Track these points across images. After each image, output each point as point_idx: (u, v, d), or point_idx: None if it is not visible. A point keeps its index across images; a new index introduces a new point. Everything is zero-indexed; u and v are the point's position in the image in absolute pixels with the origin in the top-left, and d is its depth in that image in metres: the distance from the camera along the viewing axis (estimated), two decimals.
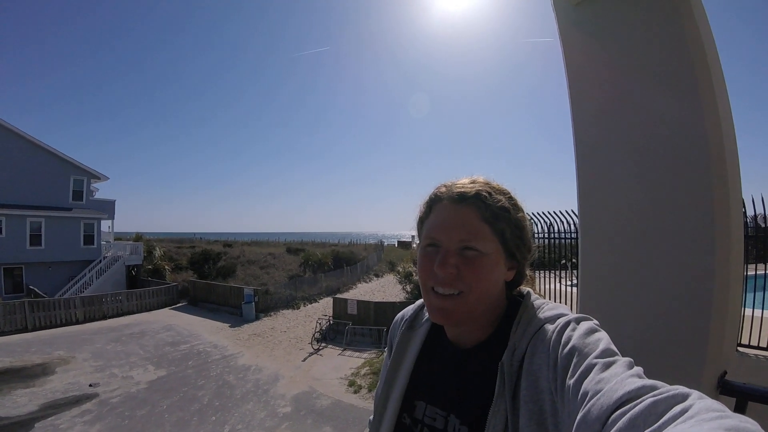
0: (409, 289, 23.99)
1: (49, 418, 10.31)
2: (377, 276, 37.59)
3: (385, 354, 1.36)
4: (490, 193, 1.00)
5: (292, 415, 11.02)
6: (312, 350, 16.92)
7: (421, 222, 1.11)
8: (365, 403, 11.73)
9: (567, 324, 0.86)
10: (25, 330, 18.63)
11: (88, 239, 29.26)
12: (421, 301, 1.26)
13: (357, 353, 16.46)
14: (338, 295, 24.02)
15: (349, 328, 18.30)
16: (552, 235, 7.48)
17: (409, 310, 1.32)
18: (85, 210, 29.55)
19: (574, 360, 0.75)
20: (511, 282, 1.09)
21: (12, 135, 26.40)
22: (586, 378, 0.69)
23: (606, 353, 0.74)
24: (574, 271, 8.17)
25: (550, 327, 0.89)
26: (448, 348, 1.11)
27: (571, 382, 0.72)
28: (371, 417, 1.26)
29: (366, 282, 34.90)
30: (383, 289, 31.35)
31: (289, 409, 11.38)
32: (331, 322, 19.84)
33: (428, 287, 1.01)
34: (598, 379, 0.67)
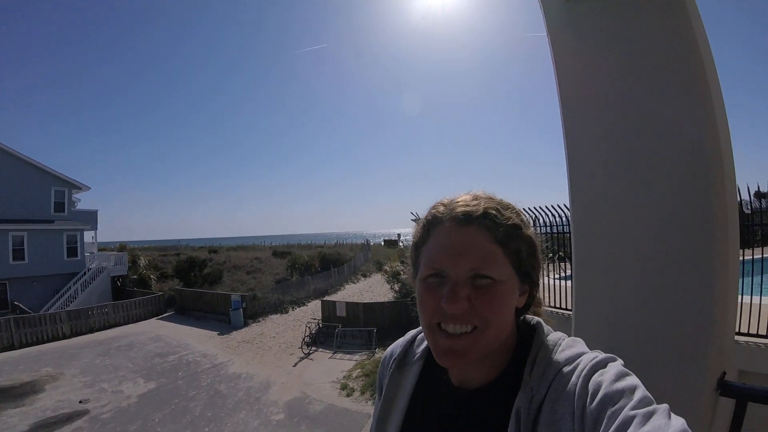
0: (397, 288, 23.94)
1: None
2: (365, 276, 37.57)
3: (376, 395, 1.21)
4: (498, 210, 0.88)
5: (285, 422, 11.07)
6: (302, 355, 16.94)
7: (417, 247, 0.96)
8: (358, 406, 11.80)
9: (593, 368, 0.78)
10: (11, 347, 18.39)
11: (72, 251, 28.91)
12: (410, 334, 1.18)
13: (348, 356, 16.52)
14: (326, 298, 24.07)
15: (339, 331, 18.34)
16: (537, 227, 7.55)
17: (398, 346, 1.18)
18: (68, 221, 29.16)
19: (608, 411, 0.68)
20: (522, 307, 0.97)
21: None
22: None
23: (643, 402, 0.67)
24: (561, 264, 8.28)
25: (571, 369, 0.81)
26: (447, 389, 0.99)
27: None
28: None
29: (354, 283, 34.87)
30: (371, 289, 31.36)
31: (283, 416, 11.42)
32: (321, 325, 19.89)
33: (433, 325, 0.87)
34: None
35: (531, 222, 1.00)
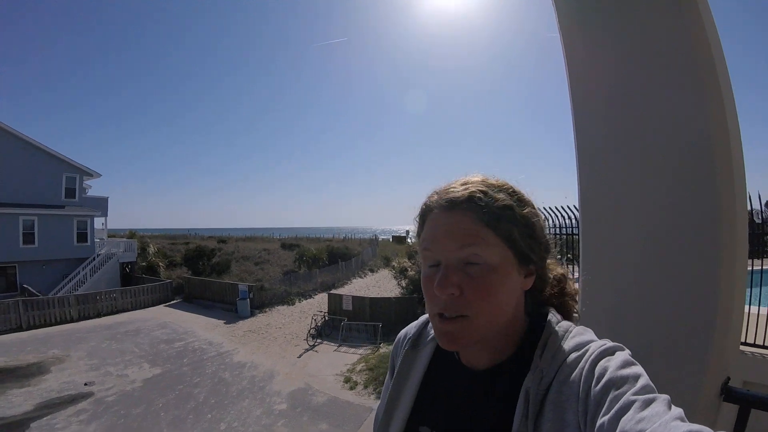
0: (404, 285, 23.97)
1: (45, 418, 10.31)
2: (372, 271, 37.61)
3: (387, 375, 1.22)
4: (485, 192, 0.87)
5: (288, 412, 11.07)
6: (307, 346, 16.95)
7: (418, 237, 0.97)
8: (361, 399, 11.79)
9: (601, 354, 0.79)
10: (19, 329, 18.61)
11: (82, 237, 29.07)
12: (424, 317, 1.18)
13: (352, 349, 16.54)
14: (333, 291, 24.11)
15: (345, 324, 18.33)
16: (548, 229, 7.47)
17: (412, 327, 1.20)
18: (78, 207, 29.34)
19: (610, 395, 0.69)
20: (533, 289, 0.97)
21: (4, 133, 25.95)
22: (623, 416, 0.64)
23: (645, 389, 0.68)
24: (569, 266, 8.23)
25: (580, 355, 0.82)
26: (458, 369, 1.00)
27: (605, 419, 0.66)
28: None
29: (361, 277, 34.91)
30: (378, 284, 31.37)
31: (285, 406, 11.42)
32: (327, 318, 19.91)
33: (434, 313, 0.89)
34: (638, 418, 0.62)
35: (533, 201, 0.96)
